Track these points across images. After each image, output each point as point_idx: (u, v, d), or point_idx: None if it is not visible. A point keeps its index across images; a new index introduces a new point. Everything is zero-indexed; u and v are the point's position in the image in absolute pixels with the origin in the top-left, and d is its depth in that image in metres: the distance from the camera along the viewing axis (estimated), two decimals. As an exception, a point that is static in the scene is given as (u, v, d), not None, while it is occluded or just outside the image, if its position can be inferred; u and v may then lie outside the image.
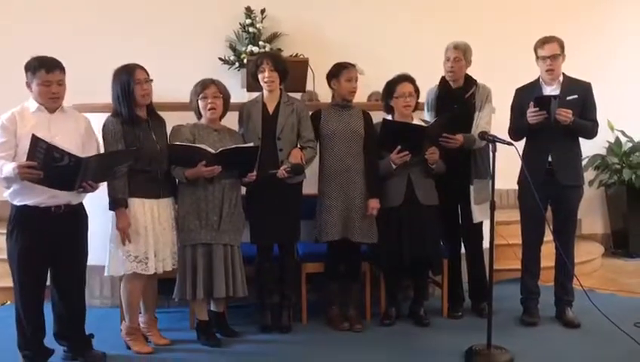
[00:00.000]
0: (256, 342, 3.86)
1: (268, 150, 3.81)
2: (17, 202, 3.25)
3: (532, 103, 3.83)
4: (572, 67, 4.06)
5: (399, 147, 3.88)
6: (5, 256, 3.37)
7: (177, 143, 3.65)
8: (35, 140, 3.02)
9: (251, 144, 3.75)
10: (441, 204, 4.08)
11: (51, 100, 3.27)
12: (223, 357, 3.65)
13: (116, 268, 3.59)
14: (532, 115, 3.83)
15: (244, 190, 3.90)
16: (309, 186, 4.02)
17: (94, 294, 4.43)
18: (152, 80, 3.60)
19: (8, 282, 3.55)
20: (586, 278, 4.65)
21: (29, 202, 3.23)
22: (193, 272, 3.66)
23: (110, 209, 3.50)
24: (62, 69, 3.28)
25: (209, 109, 3.73)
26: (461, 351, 3.60)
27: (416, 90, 4.01)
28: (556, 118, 3.80)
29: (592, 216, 6.41)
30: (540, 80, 4.04)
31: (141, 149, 3.49)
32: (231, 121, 3.95)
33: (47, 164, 3.04)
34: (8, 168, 3.09)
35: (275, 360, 3.60)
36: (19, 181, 3.12)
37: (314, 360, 3.57)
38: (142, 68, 3.59)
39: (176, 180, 3.71)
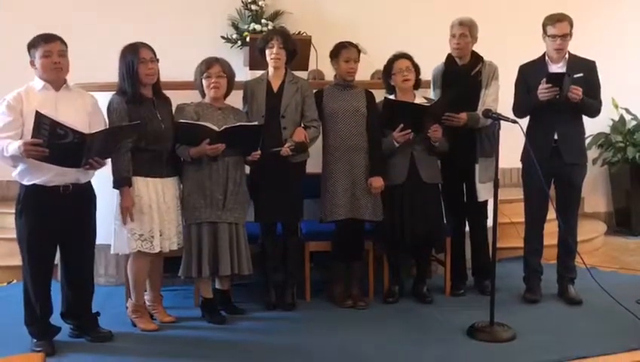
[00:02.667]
0: (260, 320, 3.89)
1: (272, 128, 3.80)
2: (26, 181, 3.25)
3: (544, 80, 3.80)
4: (576, 44, 4.02)
5: (401, 125, 3.88)
6: (11, 236, 3.39)
7: (181, 121, 3.65)
8: (39, 116, 3.01)
9: (255, 122, 3.74)
10: (445, 182, 4.08)
11: (54, 71, 3.24)
12: (227, 334, 3.68)
13: (121, 246, 3.61)
14: (544, 91, 3.81)
15: (247, 168, 3.90)
16: (313, 165, 4.02)
17: (99, 272, 4.43)
18: (158, 60, 3.58)
19: (14, 261, 3.58)
20: (588, 256, 4.65)
21: (38, 181, 3.23)
22: (199, 250, 3.68)
23: (114, 187, 3.51)
24: (62, 40, 3.27)
25: (212, 88, 3.72)
26: (464, 328, 3.62)
27: (415, 66, 4.00)
28: (568, 95, 3.78)
29: (595, 194, 6.40)
30: (546, 57, 4.01)
31: (145, 123, 3.47)
32: (235, 100, 3.93)
33: (52, 140, 3.03)
34: (14, 146, 3.08)
35: (280, 337, 3.62)
36: (25, 159, 3.13)
37: (318, 337, 3.59)
38: (148, 47, 3.56)
39: (181, 159, 3.72)
